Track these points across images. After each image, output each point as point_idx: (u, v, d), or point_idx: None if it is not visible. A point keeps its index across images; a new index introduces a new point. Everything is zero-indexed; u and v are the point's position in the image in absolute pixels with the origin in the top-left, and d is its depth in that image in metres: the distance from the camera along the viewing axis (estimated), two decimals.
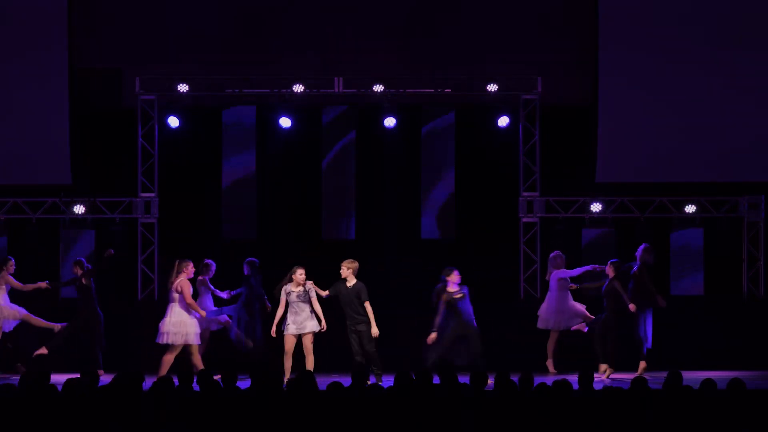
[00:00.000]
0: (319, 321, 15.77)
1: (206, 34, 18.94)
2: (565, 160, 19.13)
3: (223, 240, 18.68)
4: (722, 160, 18.55)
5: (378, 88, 18.40)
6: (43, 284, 17.13)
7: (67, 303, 17.62)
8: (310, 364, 15.56)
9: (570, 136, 19.18)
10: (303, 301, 15.73)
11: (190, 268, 16.15)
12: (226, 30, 18.98)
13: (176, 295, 16.03)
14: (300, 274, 15.74)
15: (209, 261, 17.05)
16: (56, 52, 18.38)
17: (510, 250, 18.85)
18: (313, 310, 15.80)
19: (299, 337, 15.75)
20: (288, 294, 15.72)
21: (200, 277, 16.88)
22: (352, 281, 15.78)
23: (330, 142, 18.79)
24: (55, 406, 10.12)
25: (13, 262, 17.10)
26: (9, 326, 17.04)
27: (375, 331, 15.69)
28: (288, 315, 15.76)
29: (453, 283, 16.20)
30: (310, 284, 15.81)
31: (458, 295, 16.14)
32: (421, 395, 10.38)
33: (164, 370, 15.66)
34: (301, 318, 15.74)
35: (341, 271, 15.81)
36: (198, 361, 16.01)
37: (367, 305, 15.70)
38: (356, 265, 15.83)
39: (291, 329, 15.73)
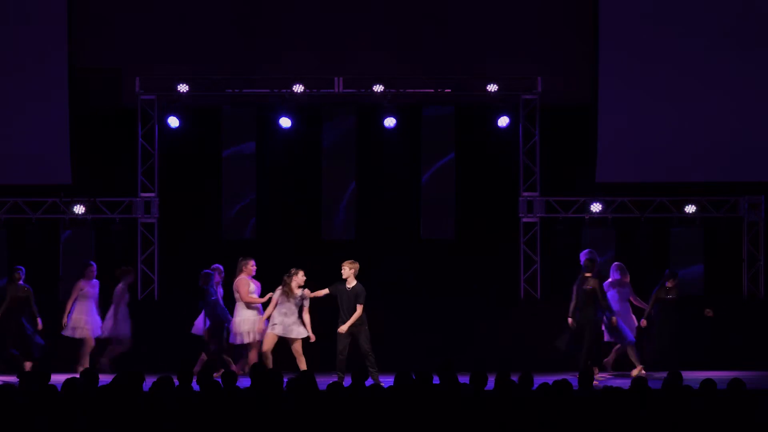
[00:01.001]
0: (305, 329, 15.83)
1: (206, 34, 18.94)
2: (565, 160, 19.13)
3: (222, 240, 18.67)
4: (722, 160, 18.55)
5: (378, 88, 18.39)
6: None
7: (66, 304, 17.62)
8: (303, 366, 15.61)
9: (570, 136, 19.18)
10: (295, 305, 15.76)
11: (249, 266, 16.23)
12: (226, 30, 18.98)
13: (237, 294, 16.21)
14: (302, 275, 15.78)
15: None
16: (56, 52, 18.37)
17: (510, 250, 18.84)
18: (301, 317, 15.83)
19: (280, 340, 15.81)
20: (284, 294, 15.79)
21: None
22: (352, 282, 15.74)
23: (330, 142, 18.78)
24: (55, 406, 10.12)
25: (93, 268, 17.26)
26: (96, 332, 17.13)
27: (344, 328, 15.55)
28: (276, 315, 15.81)
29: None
30: (306, 292, 15.83)
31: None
32: (421, 395, 10.38)
33: (247, 367, 15.88)
34: (289, 321, 15.78)
35: (342, 271, 15.76)
36: (254, 356, 16.22)
37: (359, 308, 15.61)
38: (357, 266, 15.78)
39: (277, 329, 15.78)
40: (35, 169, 18.40)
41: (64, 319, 17.19)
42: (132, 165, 18.74)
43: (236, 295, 16.34)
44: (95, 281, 17.49)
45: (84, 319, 17.27)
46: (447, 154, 18.76)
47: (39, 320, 16.88)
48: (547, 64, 18.86)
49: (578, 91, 19.02)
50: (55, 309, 17.59)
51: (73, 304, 17.27)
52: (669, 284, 16.96)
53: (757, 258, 18.84)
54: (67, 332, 17.23)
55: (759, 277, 18.80)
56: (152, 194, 18.72)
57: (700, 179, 18.71)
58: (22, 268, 17.08)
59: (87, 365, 16.57)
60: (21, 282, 16.95)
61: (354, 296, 15.64)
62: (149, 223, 18.72)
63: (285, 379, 10.81)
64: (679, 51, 18.47)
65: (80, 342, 17.26)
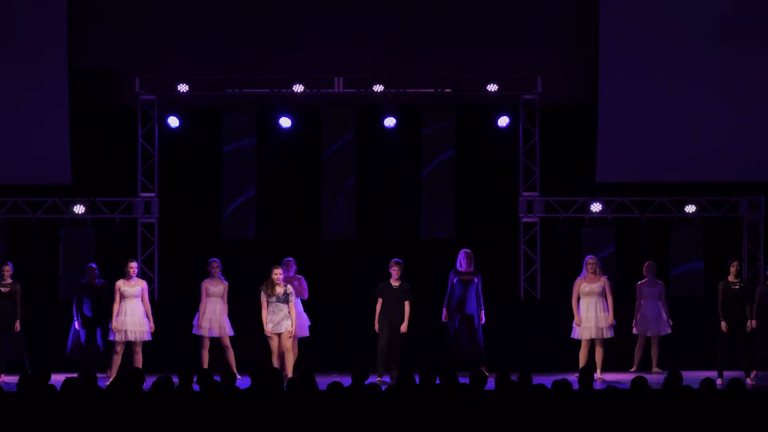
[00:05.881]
0: (292, 323, 16.03)
1: (206, 34, 18.93)
2: (565, 160, 19.13)
3: (222, 240, 18.67)
4: (722, 160, 18.54)
5: (378, 88, 18.39)
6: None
7: (67, 302, 17.61)
8: (289, 362, 15.89)
9: (570, 136, 19.17)
10: (281, 302, 15.97)
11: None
12: (225, 30, 18.96)
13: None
14: (275, 273, 15.99)
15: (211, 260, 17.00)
16: (56, 52, 18.38)
17: (510, 250, 18.85)
18: (289, 312, 16.01)
19: (280, 336, 16.04)
20: (268, 296, 16.00)
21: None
22: (398, 282, 16.55)
23: (330, 142, 18.78)
24: (55, 406, 10.12)
25: (134, 265, 16.66)
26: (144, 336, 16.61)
27: (404, 327, 16.46)
28: (267, 314, 16.04)
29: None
30: (291, 288, 16.10)
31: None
32: (421, 395, 10.38)
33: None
34: (278, 317, 15.99)
35: (391, 271, 16.54)
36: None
37: (408, 306, 16.51)
38: (403, 265, 16.64)
39: (268, 327, 16.03)
40: (35, 169, 18.40)
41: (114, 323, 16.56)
42: (132, 165, 18.74)
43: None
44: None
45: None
46: (447, 153, 18.75)
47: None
48: (547, 64, 18.86)
49: (578, 91, 19.03)
50: (55, 308, 17.64)
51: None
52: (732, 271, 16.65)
53: (757, 258, 18.84)
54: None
55: (759, 277, 18.77)
56: (152, 194, 18.72)
57: (700, 179, 18.70)
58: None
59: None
60: None
61: (402, 295, 16.49)
62: (149, 223, 18.72)
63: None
64: (679, 51, 18.47)
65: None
